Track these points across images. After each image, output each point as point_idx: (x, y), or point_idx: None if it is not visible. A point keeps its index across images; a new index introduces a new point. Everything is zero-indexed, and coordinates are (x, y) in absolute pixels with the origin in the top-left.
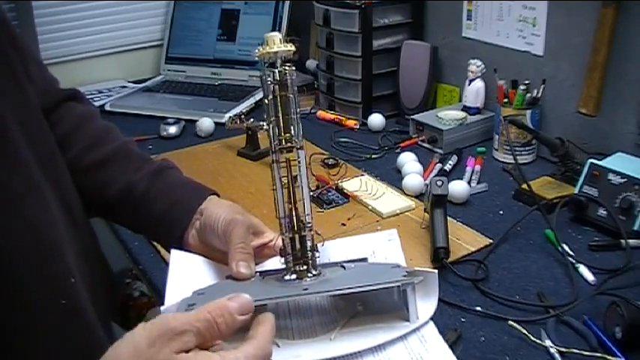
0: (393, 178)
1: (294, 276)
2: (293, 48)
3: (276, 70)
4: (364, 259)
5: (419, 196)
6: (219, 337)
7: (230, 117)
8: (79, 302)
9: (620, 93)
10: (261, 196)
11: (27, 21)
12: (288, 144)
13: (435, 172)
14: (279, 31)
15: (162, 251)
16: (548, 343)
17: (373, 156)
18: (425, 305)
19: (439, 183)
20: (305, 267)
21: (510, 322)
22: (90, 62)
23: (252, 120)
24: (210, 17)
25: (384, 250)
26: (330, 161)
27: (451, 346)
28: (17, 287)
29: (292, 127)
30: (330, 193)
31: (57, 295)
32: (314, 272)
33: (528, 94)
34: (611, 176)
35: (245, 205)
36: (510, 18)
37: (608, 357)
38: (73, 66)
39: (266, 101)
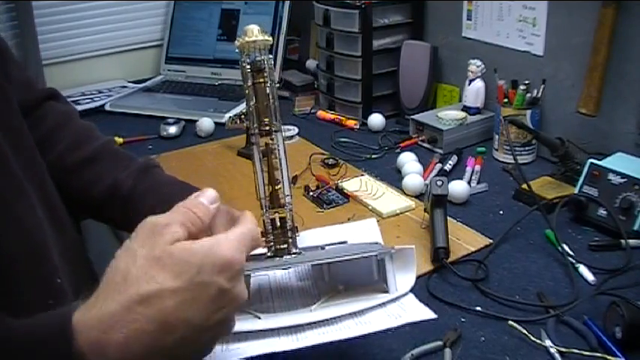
0: (393, 178)
1: (275, 255)
2: (270, 39)
3: (254, 59)
4: (344, 242)
5: (419, 196)
6: (201, 225)
7: (230, 117)
8: (65, 302)
9: (620, 93)
10: None
11: (27, 21)
12: (267, 127)
13: (435, 172)
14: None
15: None
16: (548, 343)
17: (373, 156)
18: (404, 278)
19: (439, 183)
20: (285, 245)
21: (510, 322)
22: (90, 62)
23: None
24: (210, 17)
25: (363, 237)
26: (330, 161)
27: (451, 346)
28: (9, 288)
29: (270, 113)
30: (330, 193)
31: (45, 295)
32: (294, 251)
33: (528, 94)
34: (611, 176)
35: (245, 205)
36: (510, 18)
37: (608, 357)
38: (73, 66)
39: (246, 89)
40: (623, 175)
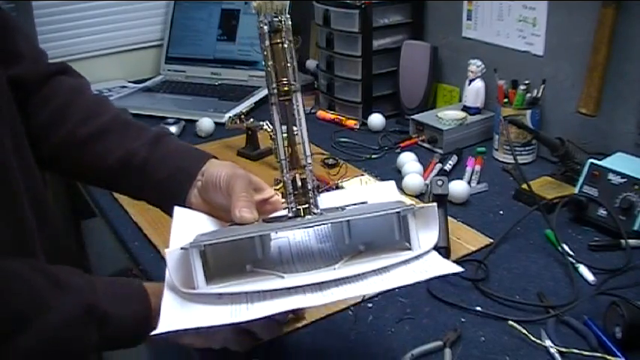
0: (393, 178)
1: (296, 215)
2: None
3: (272, 19)
4: (364, 202)
5: (419, 196)
6: None
7: (230, 117)
8: None
9: (620, 93)
10: None
11: (27, 21)
12: (285, 88)
13: (435, 172)
14: None
15: (162, 251)
16: (548, 343)
17: (373, 156)
18: (426, 235)
19: (439, 183)
20: (306, 206)
21: (510, 322)
22: (90, 62)
23: (252, 120)
24: (210, 17)
25: (383, 199)
26: (330, 161)
27: (451, 346)
28: None
29: (288, 73)
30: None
31: None
32: (316, 211)
33: (528, 94)
34: (611, 176)
35: None
36: (510, 18)
37: (608, 357)
38: (72, 66)
39: (264, 50)
40: (623, 175)
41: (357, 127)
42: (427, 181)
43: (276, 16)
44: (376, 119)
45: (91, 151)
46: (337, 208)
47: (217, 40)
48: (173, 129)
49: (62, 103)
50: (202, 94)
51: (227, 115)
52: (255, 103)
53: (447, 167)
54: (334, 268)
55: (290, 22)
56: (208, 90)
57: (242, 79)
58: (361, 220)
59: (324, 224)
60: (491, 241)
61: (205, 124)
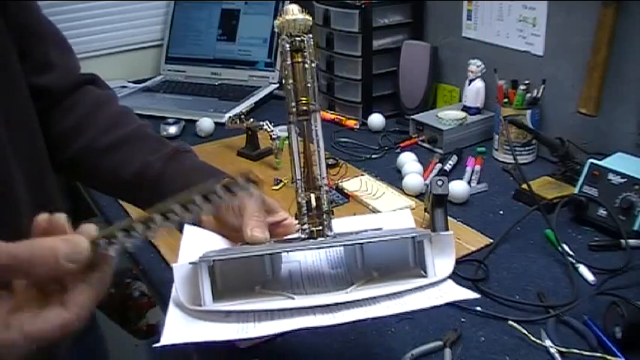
0: (393, 178)
1: (309, 237)
2: (310, 18)
3: (294, 38)
4: (379, 229)
5: (419, 196)
6: (34, 280)
7: (230, 117)
8: None
9: (620, 93)
10: None
11: None
12: (304, 108)
13: (435, 172)
14: None
15: (163, 251)
16: (548, 343)
17: (373, 156)
18: (442, 263)
19: (440, 183)
20: (320, 228)
21: (510, 322)
22: (90, 62)
23: (252, 120)
24: (210, 17)
25: (398, 225)
26: (330, 161)
27: (451, 346)
28: None
29: (308, 92)
30: (330, 193)
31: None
32: (329, 233)
33: (528, 94)
34: (611, 176)
35: None
36: (510, 18)
37: (608, 357)
38: None
39: (284, 68)
40: (623, 175)
41: (357, 127)
42: (427, 181)
43: (299, 36)
44: (376, 119)
45: (108, 162)
46: (351, 232)
47: (217, 40)
48: (173, 129)
49: (85, 114)
50: (202, 94)
51: (227, 115)
52: (255, 103)
53: (447, 167)
54: (346, 292)
55: (312, 42)
56: (208, 90)
57: (242, 79)
58: (375, 245)
59: (336, 246)
60: (491, 241)
61: (205, 124)
